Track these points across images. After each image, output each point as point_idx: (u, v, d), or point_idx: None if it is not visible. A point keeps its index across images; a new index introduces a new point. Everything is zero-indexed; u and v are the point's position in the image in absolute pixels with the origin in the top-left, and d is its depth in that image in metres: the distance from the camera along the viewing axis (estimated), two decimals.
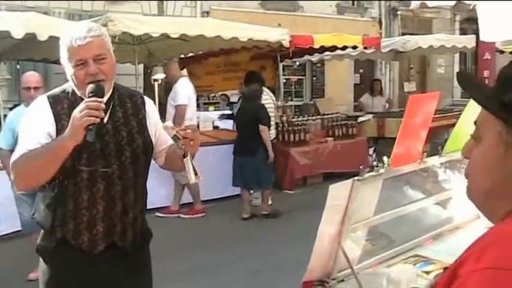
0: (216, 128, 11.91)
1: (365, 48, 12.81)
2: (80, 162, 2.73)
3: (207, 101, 17.11)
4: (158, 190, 8.37)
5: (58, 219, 2.80)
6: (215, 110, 16.28)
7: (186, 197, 9.29)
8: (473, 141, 1.31)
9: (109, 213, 2.81)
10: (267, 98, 9.95)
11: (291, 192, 9.59)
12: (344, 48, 12.64)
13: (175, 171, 7.40)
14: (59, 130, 2.71)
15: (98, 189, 2.78)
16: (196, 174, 2.86)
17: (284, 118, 11.36)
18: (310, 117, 12.19)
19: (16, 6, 12.56)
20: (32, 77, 6.19)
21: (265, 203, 9.09)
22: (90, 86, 2.66)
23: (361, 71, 21.65)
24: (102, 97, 2.65)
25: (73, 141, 2.55)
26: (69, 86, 2.83)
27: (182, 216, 9.05)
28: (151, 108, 3.08)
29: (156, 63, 11.72)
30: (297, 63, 18.88)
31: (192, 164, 2.84)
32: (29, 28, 7.77)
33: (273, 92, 12.53)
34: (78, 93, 2.78)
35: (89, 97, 2.61)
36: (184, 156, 2.85)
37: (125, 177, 2.85)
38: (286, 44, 10.76)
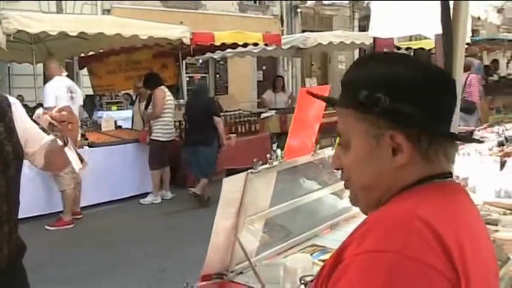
0: (118, 127, 11.72)
1: (266, 45, 12.95)
2: None
3: (109, 100, 16.74)
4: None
5: None
6: (118, 109, 15.99)
7: (88, 199, 9.10)
8: (341, 149, 1.39)
9: None
10: (169, 95, 9.99)
11: (194, 189, 9.56)
12: (245, 45, 12.75)
13: (60, 170, 6.45)
14: None
15: None
16: (82, 161, 2.62)
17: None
18: None
19: None
20: None
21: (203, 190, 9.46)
22: None
23: (264, 68, 21.88)
24: None
25: None
26: None
27: (47, 227, 8.18)
28: (17, 108, 2.71)
29: None
30: (200, 61, 18.86)
31: (76, 151, 2.58)
32: None
33: (177, 90, 12.48)
34: None
35: None
36: (65, 144, 2.54)
37: None
38: (187, 41, 10.74)
